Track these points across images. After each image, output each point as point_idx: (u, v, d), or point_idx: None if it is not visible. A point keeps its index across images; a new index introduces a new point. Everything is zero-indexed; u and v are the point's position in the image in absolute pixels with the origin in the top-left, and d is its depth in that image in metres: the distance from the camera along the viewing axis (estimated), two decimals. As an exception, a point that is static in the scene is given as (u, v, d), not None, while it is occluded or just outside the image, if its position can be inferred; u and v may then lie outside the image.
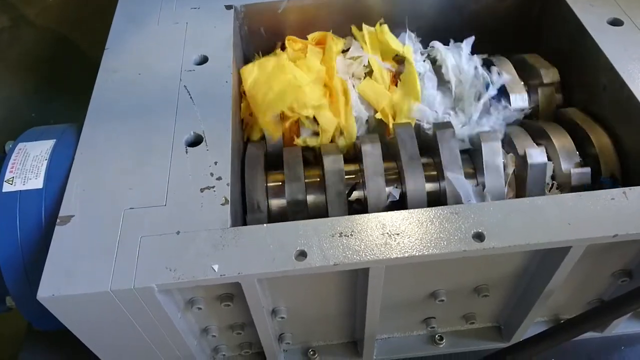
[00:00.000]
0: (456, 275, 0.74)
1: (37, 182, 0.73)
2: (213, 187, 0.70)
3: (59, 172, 0.74)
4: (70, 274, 0.62)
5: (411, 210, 0.66)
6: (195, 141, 0.76)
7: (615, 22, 0.88)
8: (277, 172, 0.84)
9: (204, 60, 0.87)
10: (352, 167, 0.85)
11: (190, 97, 0.81)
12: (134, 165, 0.73)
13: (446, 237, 0.63)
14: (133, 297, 0.62)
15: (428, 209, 0.66)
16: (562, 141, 0.83)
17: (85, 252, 0.64)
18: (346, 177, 0.81)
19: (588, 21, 0.88)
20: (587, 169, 0.80)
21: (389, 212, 0.66)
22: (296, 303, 0.75)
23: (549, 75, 0.92)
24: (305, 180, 0.81)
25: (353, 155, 0.89)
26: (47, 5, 2.34)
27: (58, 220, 0.67)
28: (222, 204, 0.68)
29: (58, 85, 2.05)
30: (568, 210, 0.65)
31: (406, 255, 0.62)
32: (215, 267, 0.61)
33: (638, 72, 0.79)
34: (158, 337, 0.71)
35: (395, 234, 0.64)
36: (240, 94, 0.92)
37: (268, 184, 0.82)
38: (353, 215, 0.66)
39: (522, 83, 0.93)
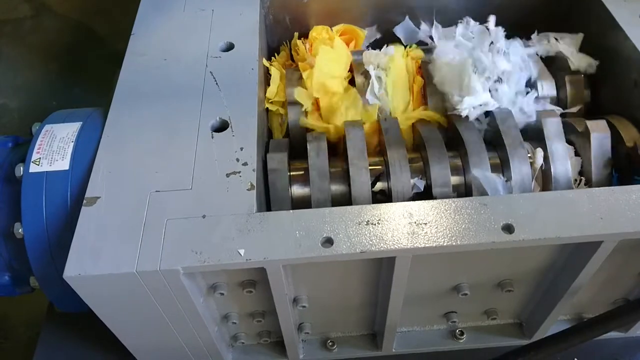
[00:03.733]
0: (481, 268, 0.73)
1: (63, 164, 0.74)
2: (239, 172, 0.69)
3: (85, 154, 0.74)
4: (97, 255, 0.62)
5: (439, 200, 0.65)
6: (221, 127, 0.76)
7: (648, 17, 0.86)
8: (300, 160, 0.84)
9: (230, 47, 0.87)
10: (376, 158, 0.84)
11: (216, 83, 0.81)
12: (160, 148, 0.73)
13: (474, 228, 0.62)
14: (158, 279, 0.62)
15: (456, 199, 0.65)
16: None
17: (112, 233, 0.64)
18: (370, 167, 0.80)
19: (621, 16, 0.87)
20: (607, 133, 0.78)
21: (416, 202, 0.65)
22: (318, 292, 0.75)
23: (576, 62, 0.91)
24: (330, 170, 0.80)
25: (377, 145, 0.88)
26: (69, -5, 2.36)
27: (84, 202, 0.67)
28: (248, 189, 0.67)
29: (78, 73, 2.07)
30: (600, 205, 0.63)
31: (434, 245, 0.61)
32: (242, 251, 0.61)
33: (672, 69, 0.78)
34: (180, 321, 0.71)
35: (422, 223, 0.63)
36: (266, 82, 0.92)
37: (291, 172, 0.81)
38: (380, 204, 0.65)
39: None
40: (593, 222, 0.62)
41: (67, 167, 0.73)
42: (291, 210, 0.65)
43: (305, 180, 0.80)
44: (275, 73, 0.91)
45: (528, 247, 0.64)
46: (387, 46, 0.93)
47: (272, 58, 0.99)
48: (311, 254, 0.61)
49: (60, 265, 0.62)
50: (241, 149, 0.72)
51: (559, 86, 0.93)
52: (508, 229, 0.62)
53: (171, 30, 0.91)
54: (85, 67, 2.11)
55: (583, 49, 0.93)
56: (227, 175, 0.69)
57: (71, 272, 0.61)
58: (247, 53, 0.85)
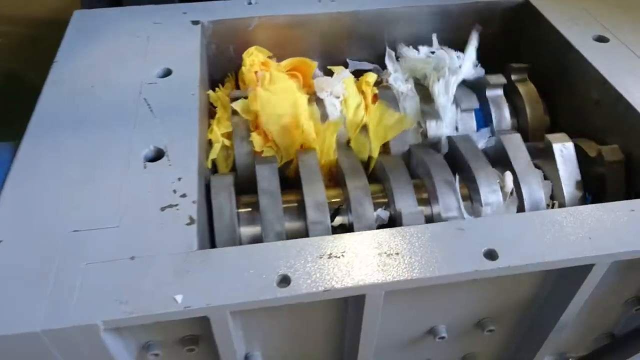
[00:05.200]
0: (459, 305, 0.64)
1: (-42, 205, 0.61)
2: (176, 205, 0.59)
3: (-13, 193, 0.61)
4: (-9, 312, 0.49)
5: (409, 227, 0.57)
6: (156, 156, 0.66)
7: (601, 39, 0.85)
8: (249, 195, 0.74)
9: (167, 73, 0.79)
10: (333, 192, 0.76)
11: (151, 110, 0.72)
12: (82, 183, 0.62)
13: (453, 257, 0.54)
14: (71, 338, 0.49)
15: (428, 225, 0.58)
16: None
17: (12, 284, 0.51)
18: (328, 201, 0.72)
19: (575, 39, 0.85)
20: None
21: (385, 230, 0.57)
22: (274, 345, 0.64)
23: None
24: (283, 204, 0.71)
25: (334, 178, 0.81)
26: (-2, 45, 2.23)
27: (-19, 247, 0.54)
28: (187, 224, 0.57)
29: (7, 126, 1.91)
30: (586, 224, 0.57)
31: (409, 278, 0.52)
32: (178, 297, 0.50)
33: (632, 85, 0.75)
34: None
35: (394, 253, 0.54)
36: (209, 109, 0.84)
37: (239, 210, 0.72)
38: (343, 234, 0.57)
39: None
40: (582, 243, 0.55)
41: (-38, 209, 0.60)
42: (239, 246, 0.55)
43: (254, 218, 0.71)
44: (219, 112, 0.83)
45: (512, 275, 0.56)
46: (337, 74, 0.87)
47: (217, 89, 0.91)
48: (265, 296, 0.50)
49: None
50: (179, 179, 0.62)
51: (518, 111, 0.90)
52: (490, 255, 0.54)
53: (101, 57, 0.82)
54: (16, 118, 1.95)
55: (539, 76, 0.91)
56: (162, 209, 0.59)
57: (-45, 335, 0.47)
58: (186, 78, 0.77)
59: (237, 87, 0.92)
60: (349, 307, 0.58)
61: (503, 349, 0.76)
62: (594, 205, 0.59)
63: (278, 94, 0.81)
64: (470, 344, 0.73)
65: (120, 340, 0.55)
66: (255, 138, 0.81)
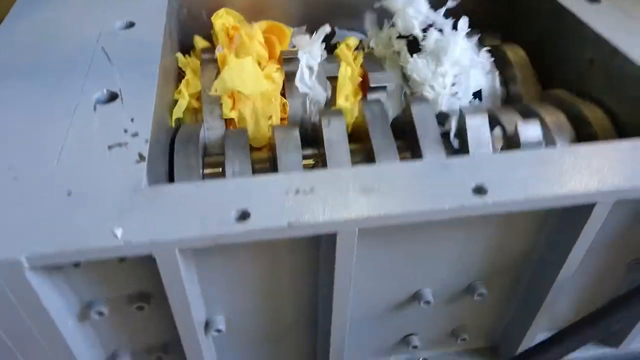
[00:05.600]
0: (445, 262, 0.57)
1: None
2: (125, 143, 0.53)
3: None
4: None
5: (387, 164, 0.51)
6: (109, 99, 0.59)
7: (593, 0, 0.81)
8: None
9: (129, 25, 0.73)
10: (309, 151, 0.70)
11: (108, 57, 0.66)
12: (23, 124, 0.56)
13: (438, 193, 0.48)
14: (-10, 279, 0.42)
15: (407, 162, 0.51)
16: (553, 117, 0.71)
17: None
18: (303, 161, 0.65)
19: (566, 1, 0.81)
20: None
21: (359, 166, 0.51)
22: (238, 305, 0.56)
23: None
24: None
25: (311, 137, 0.74)
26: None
27: None
28: (136, 162, 0.50)
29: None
30: (586, 161, 0.51)
31: (385, 213, 0.46)
32: (118, 232, 0.43)
33: (627, 40, 0.71)
34: (35, 355, 0.50)
35: (369, 189, 0.48)
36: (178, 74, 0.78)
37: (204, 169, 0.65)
38: (313, 170, 0.50)
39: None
40: (581, 179, 0.49)
41: None
42: (195, 183, 0.49)
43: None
44: (188, 74, 0.78)
45: (504, 221, 0.50)
46: (316, 32, 0.82)
47: (186, 56, 0.85)
48: (219, 231, 0.44)
49: None
50: (132, 120, 0.56)
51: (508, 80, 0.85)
52: (479, 190, 0.48)
53: (57, 10, 0.76)
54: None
55: (531, 39, 0.87)
56: (110, 147, 0.52)
57: None
58: (150, 30, 0.72)
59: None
60: (320, 251, 0.51)
61: (495, 320, 0.69)
62: (594, 143, 0.53)
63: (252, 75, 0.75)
64: (459, 313, 0.65)
65: (56, 293, 0.47)
66: (226, 101, 0.75)
